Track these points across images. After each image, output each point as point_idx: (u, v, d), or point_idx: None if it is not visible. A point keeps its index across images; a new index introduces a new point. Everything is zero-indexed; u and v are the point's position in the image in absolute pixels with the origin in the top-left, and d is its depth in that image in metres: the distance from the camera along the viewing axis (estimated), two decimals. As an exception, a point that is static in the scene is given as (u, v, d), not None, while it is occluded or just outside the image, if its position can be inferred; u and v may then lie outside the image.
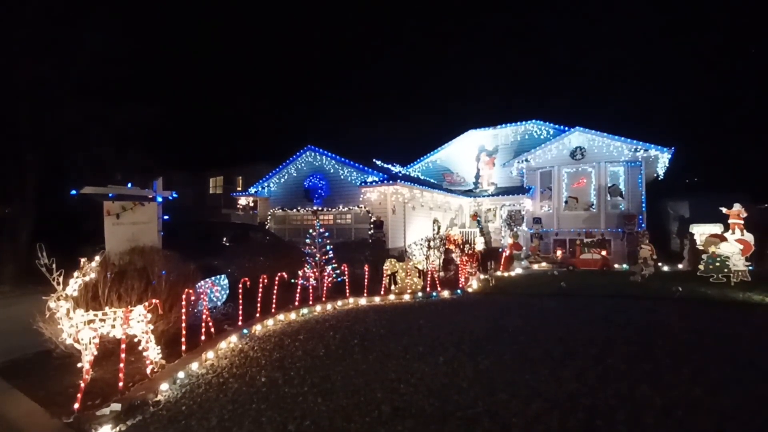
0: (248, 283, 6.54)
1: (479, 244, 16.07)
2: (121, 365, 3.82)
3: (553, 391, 3.66)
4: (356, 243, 13.38)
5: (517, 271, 13.17)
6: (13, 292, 9.93)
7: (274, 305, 6.96)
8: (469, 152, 19.99)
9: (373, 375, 4.14)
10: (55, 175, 12.77)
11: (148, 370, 4.20)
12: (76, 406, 3.44)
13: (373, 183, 13.66)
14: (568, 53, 57.34)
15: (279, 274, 7.25)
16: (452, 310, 7.26)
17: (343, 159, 14.68)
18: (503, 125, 19.30)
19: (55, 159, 12.48)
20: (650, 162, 15.38)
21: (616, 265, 13.85)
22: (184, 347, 4.82)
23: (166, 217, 6.29)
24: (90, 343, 3.89)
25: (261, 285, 6.75)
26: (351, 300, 8.01)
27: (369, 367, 4.39)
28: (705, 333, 5.49)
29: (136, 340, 4.27)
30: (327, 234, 9.14)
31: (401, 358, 4.66)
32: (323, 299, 7.94)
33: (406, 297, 8.52)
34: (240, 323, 6.07)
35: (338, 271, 8.60)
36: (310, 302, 7.56)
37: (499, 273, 12.32)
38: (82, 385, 3.60)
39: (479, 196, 18.69)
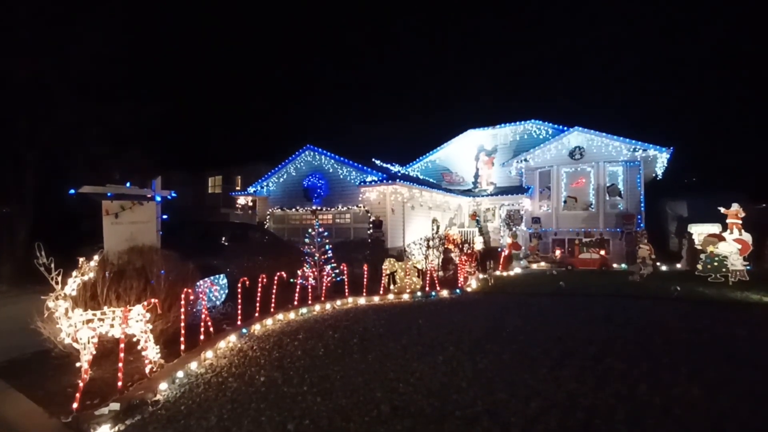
0: (247, 282, 6.54)
1: (478, 244, 16.09)
2: (120, 365, 3.81)
3: (552, 391, 3.66)
4: (355, 242, 13.39)
5: (516, 270, 13.19)
6: (11, 292, 9.91)
7: (273, 305, 6.96)
8: (468, 152, 20.00)
9: (372, 374, 4.15)
10: (53, 174, 12.73)
11: (147, 370, 4.19)
12: (75, 405, 3.43)
13: (372, 182, 13.65)
14: (568, 53, 57.42)
15: (278, 273, 7.24)
16: (451, 310, 7.27)
17: (342, 158, 14.67)
18: (502, 125, 19.31)
19: (54, 158, 12.44)
20: (649, 162, 15.41)
21: (614, 265, 13.88)
22: (183, 347, 4.82)
23: (164, 216, 6.28)
24: (89, 343, 3.88)
25: (260, 284, 6.74)
26: (350, 299, 8.01)
27: (368, 366, 4.39)
28: (703, 332, 5.50)
29: (134, 339, 4.27)
30: (326, 233, 9.15)
31: (400, 357, 4.66)
32: (322, 299, 7.94)
33: (405, 296, 8.52)
34: (239, 323, 6.06)
35: (337, 271, 8.60)
36: (309, 302, 7.56)
37: (498, 272, 12.34)
38: (81, 384, 3.60)
39: (478, 195, 18.70)
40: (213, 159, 28.90)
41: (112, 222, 5.75)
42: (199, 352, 4.79)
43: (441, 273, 11.38)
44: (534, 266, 14.34)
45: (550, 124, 18.14)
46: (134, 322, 4.22)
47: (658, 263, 12.61)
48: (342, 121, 56.83)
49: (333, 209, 14.73)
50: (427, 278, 9.29)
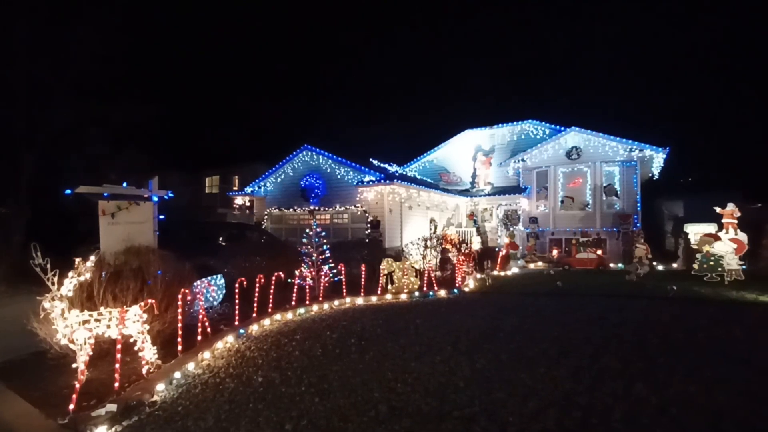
0: (245, 282, 6.53)
1: (476, 244, 16.11)
2: (117, 366, 3.80)
3: (550, 390, 3.68)
4: (353, 242, 13.37)
5: (514, 270, 13.22)
6: (6, 293, 9.83)
7: (270, 305, 6.94)
8: (465, 152, 20.04)
9: (370, 374, 4.15)
10: (49, 174, 12.69)
11: (144, 371, 4.18)
12: (72, 406, 3.42)
13: (370, 182, 13.65)
14: (565, 53, 57.58)
15: (276, 273, 7.23)
16: (449, 310, 7.28)
17: (339, 158, 14.66)
18: (500, 125, 19.36)
19: (50, 158, 12.39)
20: (645, 162, 15.48)
21: (611, 265, 13.94)
22: (180, 347, 4.80)
23: (161, 216, 6.27)
24: (85, 344, 3.87)
25: (257, 285, 6.72)
26: (348, 299, 8.01)
27: (366, 366, 4.39)
28: (699, 331, 5.53)
29: (131, 340, 4.25)
30: (324, 233, 9.12)
31: (398, 357, 4.66)
32: (320, 299, 7.94)
33: (403, 296, 8.53)
34: (236, 323, 6.05)
35: (335, 271, 8.60)
36: (307, 302, 7.55)
37: (495, 272, 12.36)
38: (77, 385, 3.59)
39: (476, 195, 18.74)
40: (210, 159, 28.81)
41: (108, 222, 5.74)
42: (197, 352, 4.78)
43: (438, 273, 11.39)
44: (531, 266, 14.38)
45: (547, 125, 18.20)
46: (131, 323, 4.20)
47: (654, 263, 12.68)
48: (340, 121, 56.81)
49: (330, 209, 14.72)
50: (425, 278, 9.30)
